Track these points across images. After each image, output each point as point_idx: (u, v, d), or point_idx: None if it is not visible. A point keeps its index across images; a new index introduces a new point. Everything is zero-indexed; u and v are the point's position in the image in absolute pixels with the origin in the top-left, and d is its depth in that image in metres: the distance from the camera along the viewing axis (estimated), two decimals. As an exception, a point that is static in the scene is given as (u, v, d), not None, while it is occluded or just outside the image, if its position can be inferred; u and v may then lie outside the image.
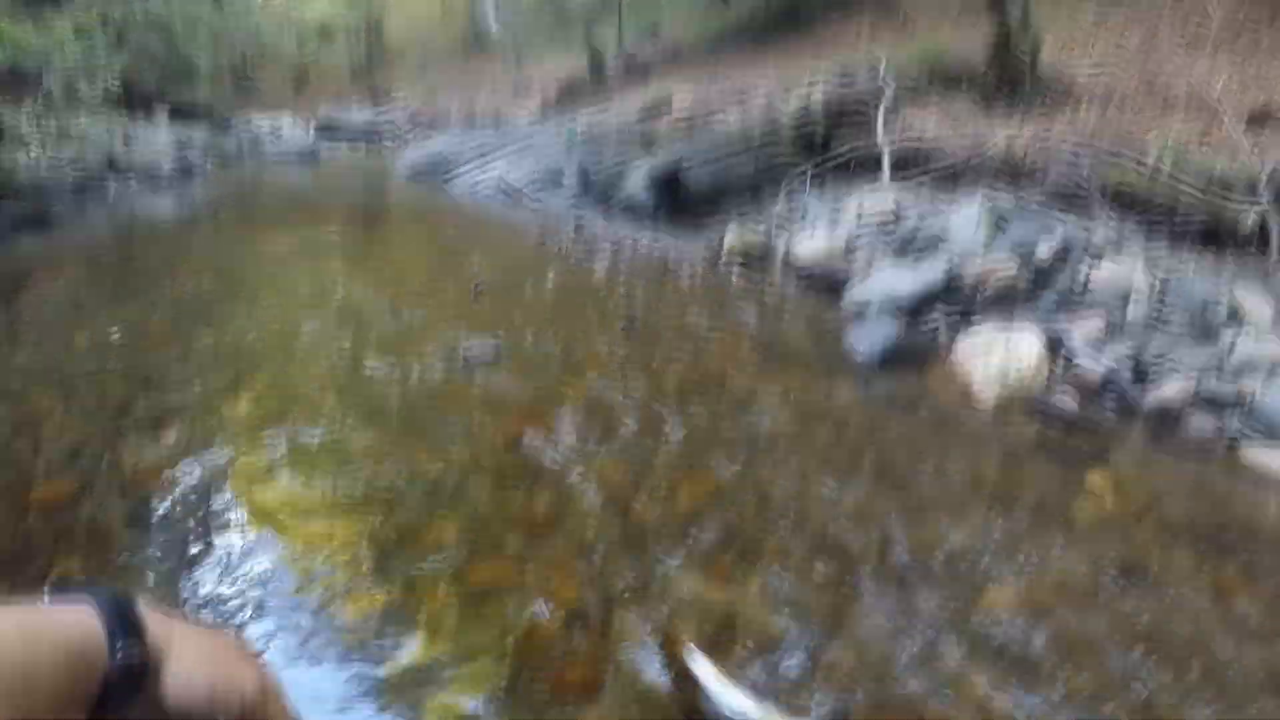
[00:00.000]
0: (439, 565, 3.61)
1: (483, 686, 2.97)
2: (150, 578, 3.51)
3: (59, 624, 0.77)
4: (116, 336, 6.22)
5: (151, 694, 0.83)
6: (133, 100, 20.38)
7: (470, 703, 2.89)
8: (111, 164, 14.23)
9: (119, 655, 0.78)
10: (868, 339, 6.19)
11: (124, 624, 0.81)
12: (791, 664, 3.09)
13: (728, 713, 2.68)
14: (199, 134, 20.33)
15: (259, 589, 3.43)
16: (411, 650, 3.14)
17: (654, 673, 3.03)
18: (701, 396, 5.26)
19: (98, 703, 0.77)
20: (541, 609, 3.34)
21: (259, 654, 1.05)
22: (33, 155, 11.98)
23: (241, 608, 3.34)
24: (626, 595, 3.43)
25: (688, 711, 2.81)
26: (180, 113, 23.49)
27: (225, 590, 3.44)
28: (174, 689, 0.84)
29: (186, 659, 0.86)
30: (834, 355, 6.12)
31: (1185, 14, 13.28)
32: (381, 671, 3.04)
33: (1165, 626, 3.32)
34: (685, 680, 2.79)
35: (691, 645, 2.80)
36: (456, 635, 3.22)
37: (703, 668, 2.80)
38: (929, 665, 3.09)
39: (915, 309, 6.93)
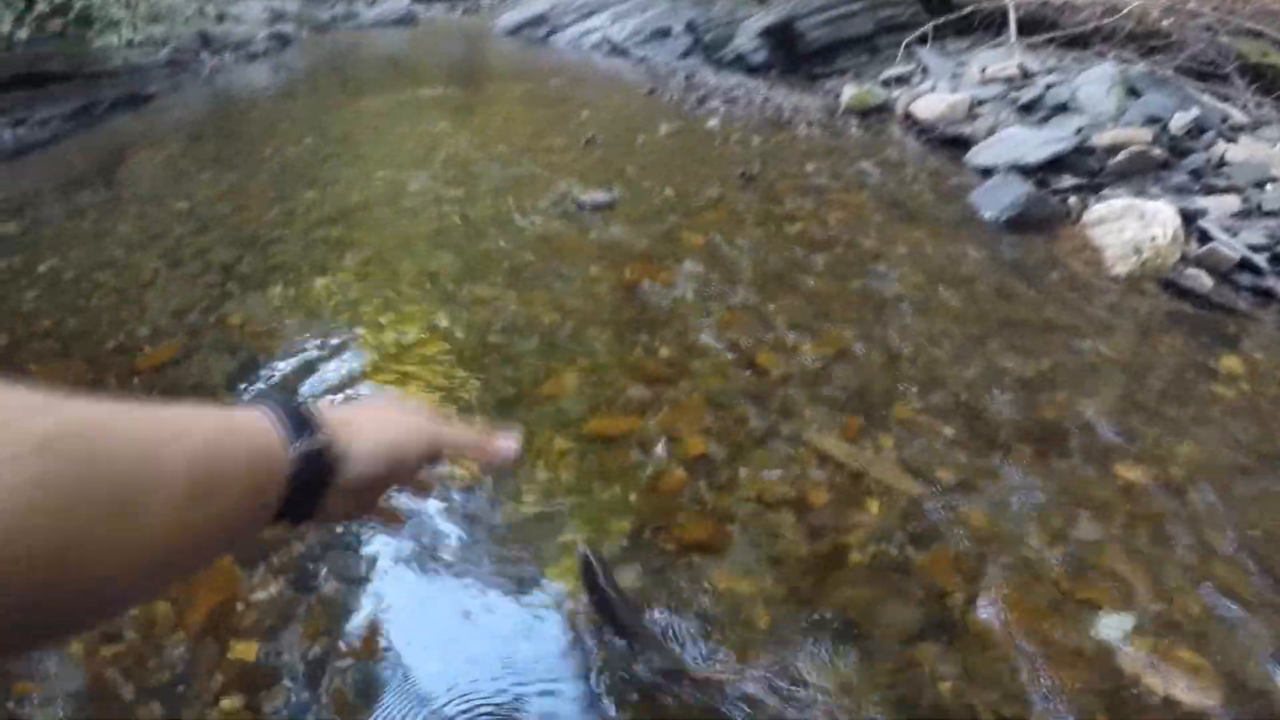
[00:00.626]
0: (557, 416, 3.57)
1: (605, 540, 2.94)
2: None
3: (239, 421, 0.77)
4: (219, 202, 6.19)
5: (342, 482, 0.86)
6: None
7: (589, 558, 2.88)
8: (205, 40, 14.02)
9: (297, 446, 0.80)
10: (994, 201, 5.97)
11: (298, 419, 0.82)
12: (923, 525, 3.04)
13: (619, 622, 2.50)
14: (292, 3, 19.99)
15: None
16: (529, 502, 3.12)
17: (785, 536, 2.97)
18: (825, 252, 5.11)
19: (288, 496, 0.79)
20: (664, 462, 3.29)
21: (433, 409, 1.02)
22: (124, 37, 11.89)
23: None
24: (753, 449, 3.36)
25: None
26: None
27: None
28: (358, 469, 0.87)
29: (366, 437, 0.89)
30: (959, 215, 5.90)
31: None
32: (498, 521, 3.04)
33: None
34: (585, 582, 2.55)
35: (586, 549, 2.52)
36: (575, 487, 3.19)
37: (597, 573, 2.50)
38: (1062, 537, 3.00)
39: (1043, 173, 6.69)
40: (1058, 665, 2.53)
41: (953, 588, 2.78)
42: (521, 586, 2.75)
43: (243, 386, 3.85)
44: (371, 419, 0.92)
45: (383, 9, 22.47)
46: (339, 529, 2.98)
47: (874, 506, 3.09)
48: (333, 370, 3.96)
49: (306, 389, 3.82)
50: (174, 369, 4.00)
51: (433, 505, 3.08)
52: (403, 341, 4.18)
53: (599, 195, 5.79)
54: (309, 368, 3.99)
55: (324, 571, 2.85)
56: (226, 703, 2.43)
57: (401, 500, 1.03)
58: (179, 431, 0.68)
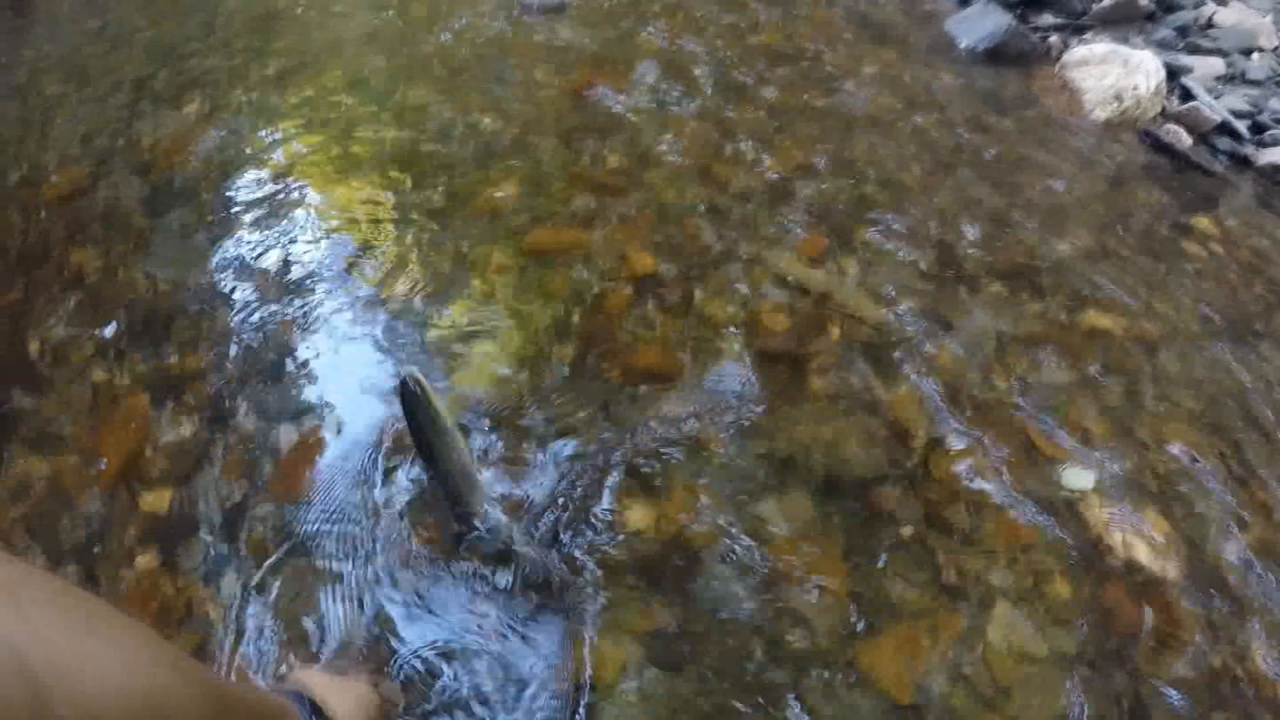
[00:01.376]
0: (495, 227, 3.26)
1: (544, 366, 2.70)
2: (171, 261, 3.16)
3: (284, 709, 0.93)
4: (135, 16, 5.49)
5: None
6: None
7: (531, 386, 2.62)
8: None
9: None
10: (972, 30, 5.60)
11: (313, 709, 1.00)
12: (886, 355, 2.80)
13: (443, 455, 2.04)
14: None
15: (299, 263, 3.10)
16: (464, 322, 2.86)
17: (739, 363, 2.73)
18: (791, 65, 4.73)
19: None
20: (609, 279, 3.01)
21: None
22: None
23: (281, 284, 3.01)
24: (707, 268, 3.08)
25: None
26: None
27: (259, 264, 3.10)
28: None
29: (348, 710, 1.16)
30: (933, 41, 5.53)
31: None
32: (429, 338, 2.80)
33: (1263, 390, 3.01)
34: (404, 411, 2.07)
35: (414, 373, 1.92)
36: (513, 307, 2.92)
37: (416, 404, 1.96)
38: (1030, 382, 2.81)
39: (1024, 9, 6.33)
40: (1020, 517, 2.39)
41: (916, 428, 2.59)
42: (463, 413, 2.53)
43: (155, 211, 3.47)
44: (344, 697, 1.17)
45: None
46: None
47: (835, 333, 2.87)
48: (249, 182, 3.59)
49: (219, 199, 3.49)
50: (82, 198, 3.59)
51: (360, 328, 2.85)
52: (327, 149, 3.80)
53: (546, -1, 5.28)
54: (225, 179, 3.62)
55: (242, 408, 2.58)
56: (141, 560, 2.23)
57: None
58: (252, 688, 1.06)
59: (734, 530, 2.24)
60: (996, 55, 5.47)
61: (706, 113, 4.11)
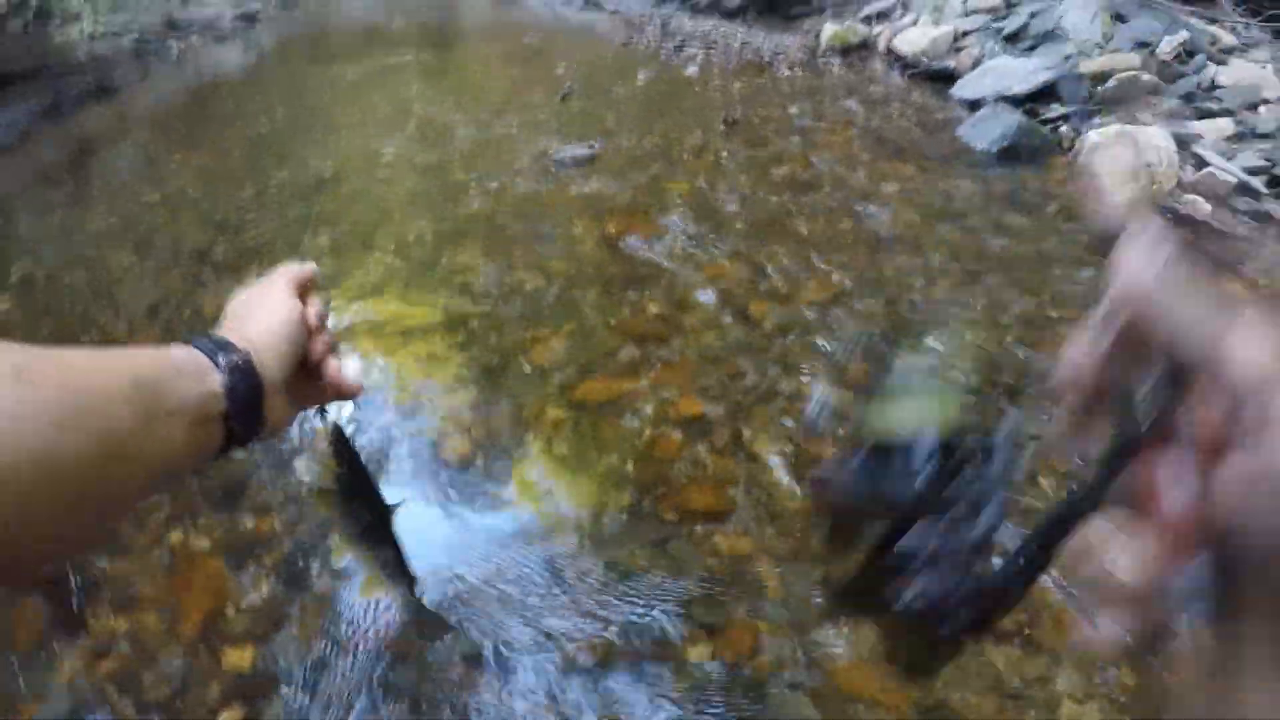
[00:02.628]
0: (546, 384, 3.44)
1: (602, 514, 2.82)
2: None
3: (168, 351, 0.81)
4: (191, 188, 5.93)
5: (270, 384, 0.89)
6: None
7: (590, 533, 2.74)
8: (170, 24, 13.64)
9: (222, 362, 0.83)
10: (984, 133, 5.82)
11: (216, 342, 0.86)
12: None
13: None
14: None
15: (361, 430, 3.27)
16: (524, 478, 3.00)
17: (788, 493, 2.85)
18: (814, 193, 4.96)
19: (230, 412, 0.82)
20: (659, 425, 3.16)
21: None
22: (86, 29, 11.62)
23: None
24: (752, 405, 3.23)
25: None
26: None
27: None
28: (275, 362, 0.91)
29: (262, 331, 0.94)
30: (948, 149, 5.74)
31: None
32: (492, 502, 2.93)
33: None
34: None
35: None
36: (570, 459, 3.06)
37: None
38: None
39: (1031, 103, 6.55)
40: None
41: None
42: (527, 569, 2.65)
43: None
44: (255, 320, 0.96)
45: None
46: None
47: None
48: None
49: None
50: None
51: (428, 487, 2.99)
52: (382, 316, 4.03)
53: (578, 149, 5.63)
54: None
55: (315, 568, 2.73)
56: (226, 715, 2.33)
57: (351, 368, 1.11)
58: (123, 354, 0.74)
59: (796, 657, 2.35)
60: (1011, 154, 5.65)
61: (738, 251, 4.32)
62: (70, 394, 0.66)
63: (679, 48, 9.07)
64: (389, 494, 1.35)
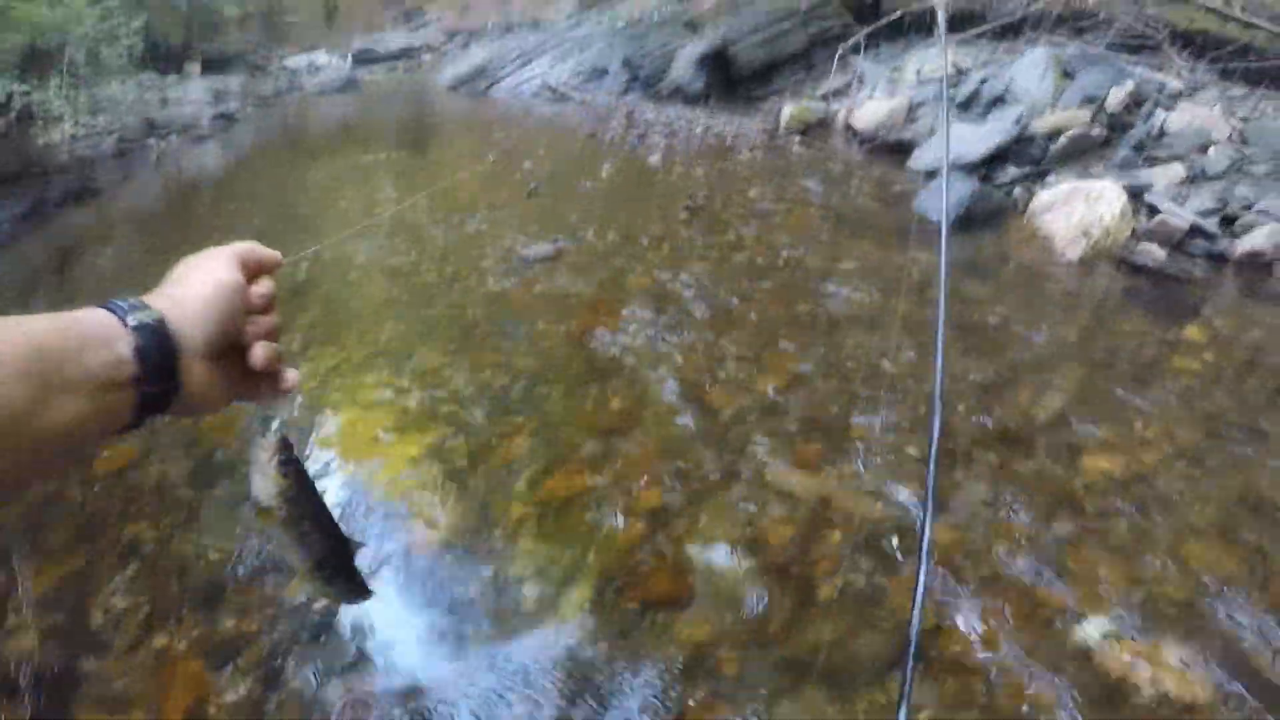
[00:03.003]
0: (512, 481, 3.49)
1: (566, 606, 2.87)
2: (218, 532, 3.40)
3: (73, 315, 0.77)
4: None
5: (191, 351, 0.86)
6: (161, 58, 20.02)
7: (554, 625, 2.78)
8: (150, 126, 14.08)
9: (131, 320, 0.79)
10: (940, 202, 5.92)
11: (130, 303, 0.82)
12: (888, 549, 2.97)
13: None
14: (235, 80, 19.81)
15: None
16: (490, 574, 3.05)
17: (748, 580, 2.89)
18: (773, 276, 5.06)
19: (141, 376, 0.79)
20: (621, 517, 3.22)
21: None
22: (68, 131, 11.91)
23: None
24: (709, 494, 3.29)
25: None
26: (213, 63, 22.93)
27: None
28: (199, 330, 0.87)
29: (190, 296, 0.89)
30: (905, 222, 5.85)
31: None
32: (462, 598, 2.97)
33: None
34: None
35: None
36: (534, 554, 3.11)
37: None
38: (1033, 542, 2.94)
39: (986, 168, 6.68)
40: (1040, 678, 2.46)
41: (924, 612, 2.70)
42: (494, 664, 2.68)
43: (202, 484, 3.77)
44: (186, 283, 0.91)
45: (324, 77, 22.48)
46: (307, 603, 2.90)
47: (836, 536, 3.02)
48: None
49: None
50: (133, 471, 3.89)
51: (397, 582, 3.05)
52: (353, 419, 4.10)
53: (543, 247, 5.74)
54: None
55: (292, 665, 2.77)
56: None
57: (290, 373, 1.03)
58: (25, 322, 0.71)
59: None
60: (968, 221, 5.74)
61: (698, 341, 4.41)
62: None
63: (643, 136, 9.26)
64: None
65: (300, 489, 1.14)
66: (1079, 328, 4.37)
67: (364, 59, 26.93)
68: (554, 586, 2.95)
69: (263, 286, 0.99)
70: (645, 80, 12.24)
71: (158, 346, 0.80)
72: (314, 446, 3.87)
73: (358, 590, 1.29)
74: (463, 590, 2.99)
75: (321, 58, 27.67)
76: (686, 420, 3.77)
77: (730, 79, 11.08)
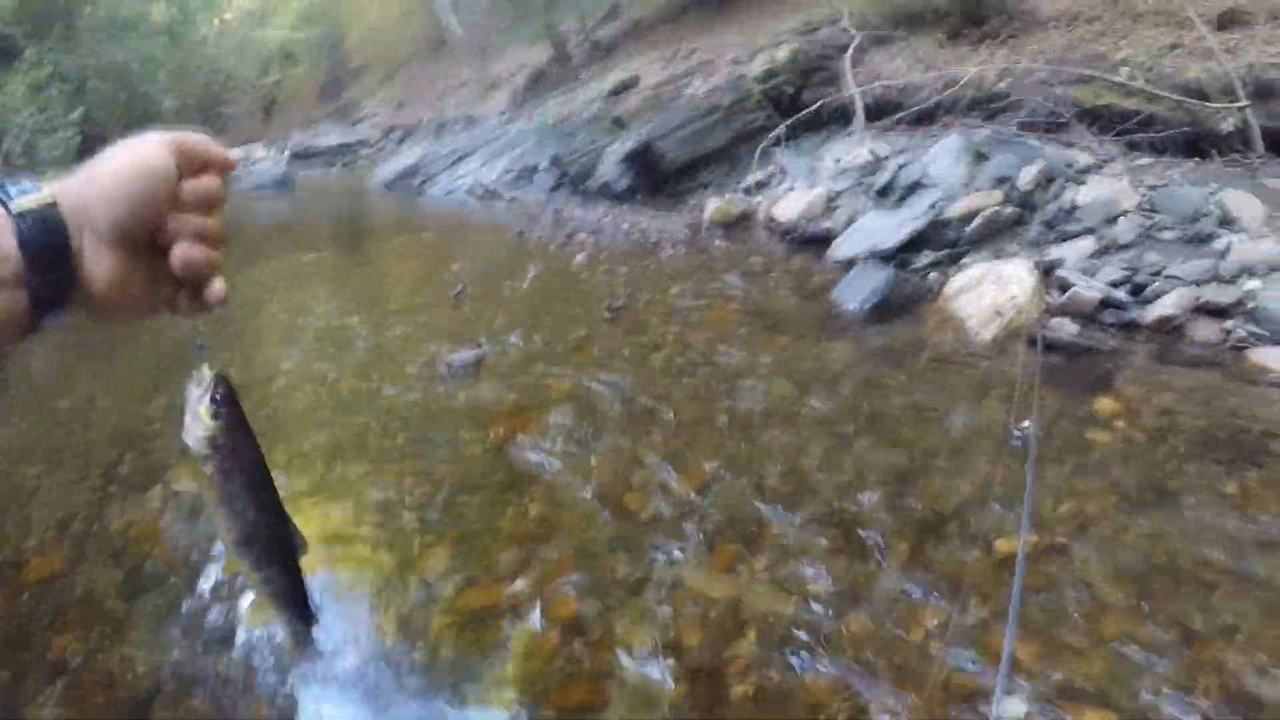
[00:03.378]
0: (432, 595, 3.51)
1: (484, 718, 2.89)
2: (146, 644, 3.41)
3: None
4: (101, 398, 6.10)
5: (87, 240, 0.76)
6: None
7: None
8: None
9: (13, 205, 0.71)
10: (856, 292, 6.03)
11: (14, 185, 0.73)
12: (802, 645, 2.97)
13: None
14: None
15: (259, 648, 3.32)
16: (413, 687, 3.06)
17: (663, 684, 2.90)
18: (691, 376, 5.13)
19: (29, 271, 0.71)
20: (538, 626, 3.24)
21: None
22: None
23: (246, 664, 3.25)
24: (625, 599, 3.32)
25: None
26: None
27: (221, 644, 3.35)
28: (102, 215, 0.76)
29: (98, 179, 0.78)
30: (824, 313, 5.97)
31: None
32: (384, 713, 2.99)
33: (1195, 550, 3.22)
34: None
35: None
36: (455, 666, 3.13)
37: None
38: (947, 627, 2.96)
39: (903, 254, 6.79)
40: None
41: (837, 709, 2.71)
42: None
43: (130, 595, 3.78)
44: (105, 161, 0.80)
45: (259, 172, 22.56)
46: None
47: (752, 634, 3.05)
48: (211, 568, 3.88)
49: (187, 583, 3.80)
50: (62, 581, 3.90)
51: (316, 701, 3.09)
52: None
53: (466, 354, 5.77)
54: (190, 564, 3.93)
55: None
56: None
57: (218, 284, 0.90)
58: None
59: None
60: (884, 309, 5.84)
61: (617, 445, 4.46)
62: None
63: (570, 236, 9.34)
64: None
65: (235, 439, 1.00)
66: (991, 409, 4.43)
67: (301, 154, 27.12)
68: (472, 699, 2.99)
69: (204, 182, 0.85)
70: (574, 178, 12.38)
71: (45, 235, 0.72)
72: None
73: (296, 596, 1.10)
74: (385, 705, 3.00)
75: (259, 151, 27.96)
76: (604, 525, 3.80)
77: (656, 176, 11.24)
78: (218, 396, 0.95)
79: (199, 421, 0.94)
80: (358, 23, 40.41)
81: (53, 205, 0.73)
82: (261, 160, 26.04)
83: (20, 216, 0.70)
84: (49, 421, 5.83)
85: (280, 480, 4.14)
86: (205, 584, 3.78)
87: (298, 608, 1.11)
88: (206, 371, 0.97)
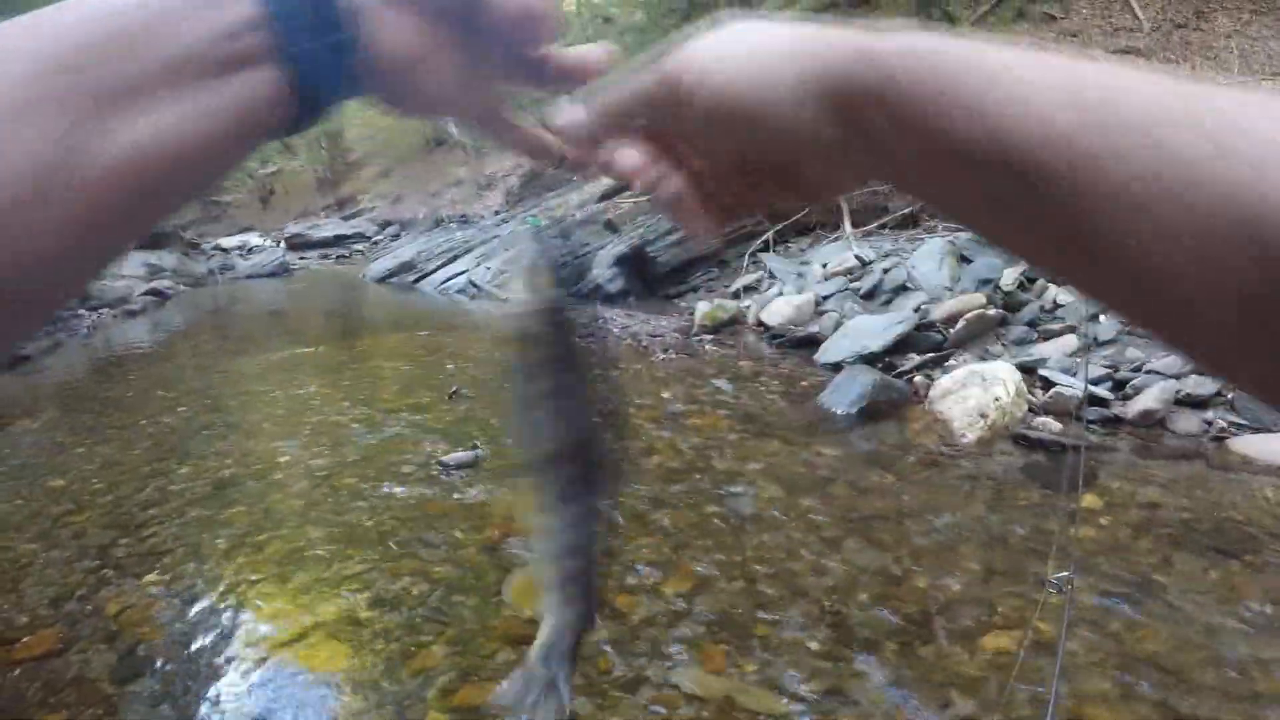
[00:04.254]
0: (428, 689, 3.54)
1: None
2: None
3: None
4: (95, 478, 6.10)
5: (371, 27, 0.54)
6: None
7: None
8: (84, 295, 14.17)
9: None
10: (843, 396, 6.15)
11: None
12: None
13: None
14: (169, 258, 20.12)
15: None
16: None
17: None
18: (683, 480, 5.21)
19: (287, 35, 0.51)
20: None
21: None
22: None
23: None
24: (619, 698, 3.36)
25: None
26: (148, 238, 23.59)
27: None
28: None
29: None
30: (812, 417, 6.09)
31: (1114, 21, 13.46)
32: None
33: (1177, 645, 3.30)
34: None
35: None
36: None
37: None
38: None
39: (889, 357, 6.93)
40: None
41: None
42: None
43: (123, 679, 3.76)
44: None
45: (258, 260, 22.83)
46: None
47: None
48: (208, 653, 3.89)
49: (183, 669, 3.79)
50: (54, 660, 3.88)
51: None
52: (272, 624, 4.14)
53: (462, 454, 5.85)
54: (185, 650, 3.93)
55: None
56: None
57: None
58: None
59: None
60: (870, 412, 5.96)
61: (609, 549, 4.48)
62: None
63: (562, 339, 9.42)
64: None
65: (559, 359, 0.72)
66: (977, 508, 4.52)
67: (297, 244, 27.41)
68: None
69: None
70: (566, 279, 12.52)
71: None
72: (235, 658, 3.88)
73: (590, 571, 0.82)
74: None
75: (255, 239, 28.28)
76: (597, 627, 3.81)
77: (647, 279, 11.45)
78: (553, 306, 0.70)
79: (531, 287, 0.70)
80: (358, 117, 41.06)
81: None
82: (258, 248, 26.39)
83: None
84: (42, 497, 5.83)
85: (280, 576, 4.23)
86: (199, 671, 3.79)
87: (589, 582, 0.82)
88: (543, 241, 0.72)
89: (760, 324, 8.73)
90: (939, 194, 0.50)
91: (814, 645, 3.53)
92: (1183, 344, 0.42)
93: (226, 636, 4.02)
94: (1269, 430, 4.95)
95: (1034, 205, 0.42)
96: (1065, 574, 2.52)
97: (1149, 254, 0.38)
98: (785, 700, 3.23)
